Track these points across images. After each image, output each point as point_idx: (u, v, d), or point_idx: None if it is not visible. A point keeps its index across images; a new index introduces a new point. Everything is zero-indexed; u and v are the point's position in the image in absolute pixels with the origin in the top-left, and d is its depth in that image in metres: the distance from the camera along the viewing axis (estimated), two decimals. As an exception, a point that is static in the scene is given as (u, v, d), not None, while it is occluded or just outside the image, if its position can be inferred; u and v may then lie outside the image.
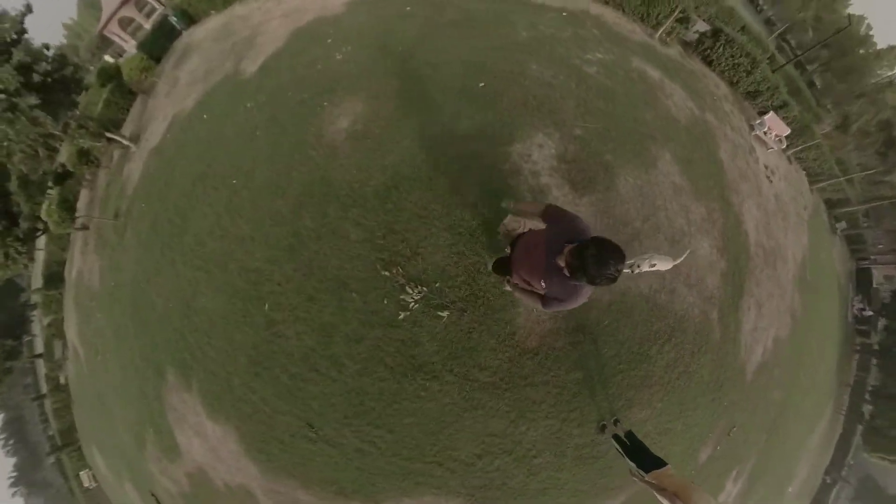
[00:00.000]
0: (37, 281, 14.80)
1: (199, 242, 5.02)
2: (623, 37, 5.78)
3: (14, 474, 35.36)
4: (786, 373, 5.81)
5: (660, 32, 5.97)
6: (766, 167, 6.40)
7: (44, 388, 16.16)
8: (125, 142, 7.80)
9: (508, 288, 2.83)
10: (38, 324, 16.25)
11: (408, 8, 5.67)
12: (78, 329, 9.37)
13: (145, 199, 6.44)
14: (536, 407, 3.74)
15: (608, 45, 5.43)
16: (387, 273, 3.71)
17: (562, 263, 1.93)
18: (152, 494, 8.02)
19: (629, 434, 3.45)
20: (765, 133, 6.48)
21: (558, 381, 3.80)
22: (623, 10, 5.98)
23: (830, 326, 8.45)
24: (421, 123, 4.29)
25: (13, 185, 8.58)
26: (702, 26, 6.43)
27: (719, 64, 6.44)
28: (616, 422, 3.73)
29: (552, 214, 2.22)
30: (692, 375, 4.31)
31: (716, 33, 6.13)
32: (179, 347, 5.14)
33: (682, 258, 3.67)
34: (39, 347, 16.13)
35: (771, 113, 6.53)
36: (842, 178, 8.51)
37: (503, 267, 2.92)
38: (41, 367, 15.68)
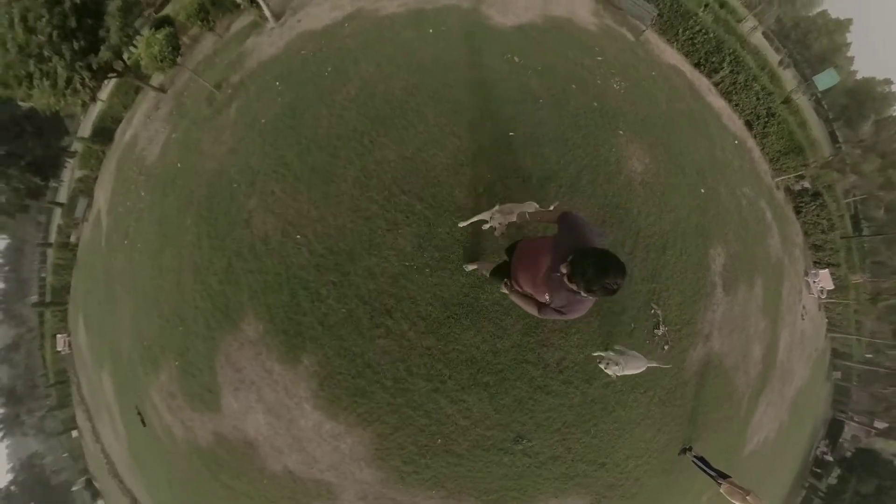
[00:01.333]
0: (85, 129, 14.80)
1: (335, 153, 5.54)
2: (759, 175, 7.66)
3: (-3, 297, 34.57)
4: (764, 465, 7.69)
5: (780, 178, 7.80)
6: (804, 307, 8.25)
7: (51, 238, 15.60)
8: (267, 12, 7.68)
9: (505, 290, 2.85)
10: (70, 174, 16.22)
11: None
12: (110, 198, 10.02)
13: (282, 79, 6.81)
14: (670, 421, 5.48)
15: (751, 180, 7.32)
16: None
17: (564, 271, 1.93)
18: (138, 412, 8.41)
19: (700, 457, 5.28)
20: (814, 282, 8.30)
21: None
22: (763, 150, 7.85)
23: (796, 452, 10.39)
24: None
25: (112, 6, 7.48)
26: (806, 182, 8.24)
27: (805, 217, 8.26)
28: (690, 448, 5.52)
29: (570, 222, 2.21)
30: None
31: (816, 196, 7.96)
32: (278, 291, 5.42)
33: (656, 364, 4.76)
34: (63, 198, 15.61)
35: (826, 270, 8.33)
36: (853, 337, 10.44)
37: (501, 273, 2.96)
38: (57, 216, 15.21)
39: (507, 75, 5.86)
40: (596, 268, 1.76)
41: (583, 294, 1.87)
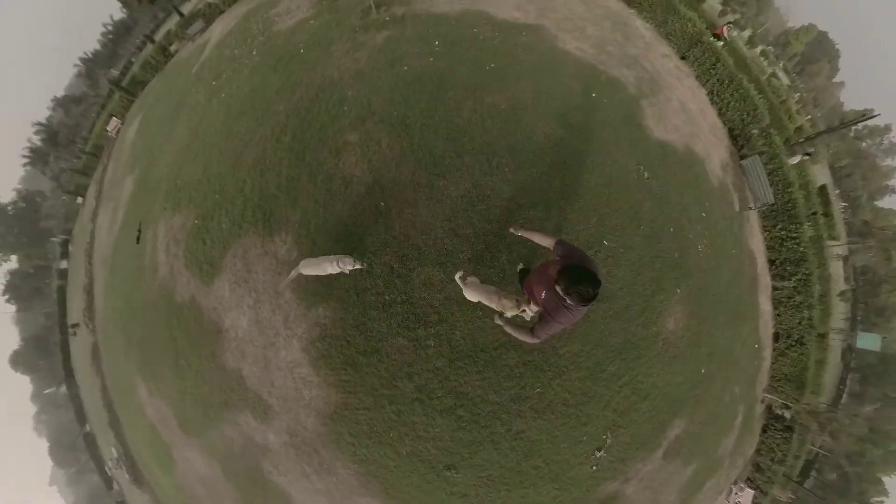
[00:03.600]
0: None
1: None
2: (754, 383, 8.90)
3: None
4: None
5: (769, 396, 8.87)
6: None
7: (157, 36, 17.69)
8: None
9: (498, 321, 3.89)
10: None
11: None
12: (225, 37, 10.46)
13: (443, 42, 7.57)
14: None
15: (745, 384, 8.55)
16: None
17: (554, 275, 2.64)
18: (139, 228, 9.19)
19: None
20: (736, 494, 9.40)
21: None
22: (773, 366, 8.88)
23: None
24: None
25: None
26: (787, 413, 9.34)
27: (767, 438, 9.42)
28: None
29: (564, 248, 3.05)
30: None
31: (787, 429, 9.15)
32: (332, 238, 6.05)
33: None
34: (186, 9, 17.48)
35: (752, 492, 9.47)
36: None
37: (521, 277, 4.30)
38: (173, 21, 16.75)
39: (630, 185, 6.69)
40: (575, 276, 2.41)
41: (565, 299, 2.58)
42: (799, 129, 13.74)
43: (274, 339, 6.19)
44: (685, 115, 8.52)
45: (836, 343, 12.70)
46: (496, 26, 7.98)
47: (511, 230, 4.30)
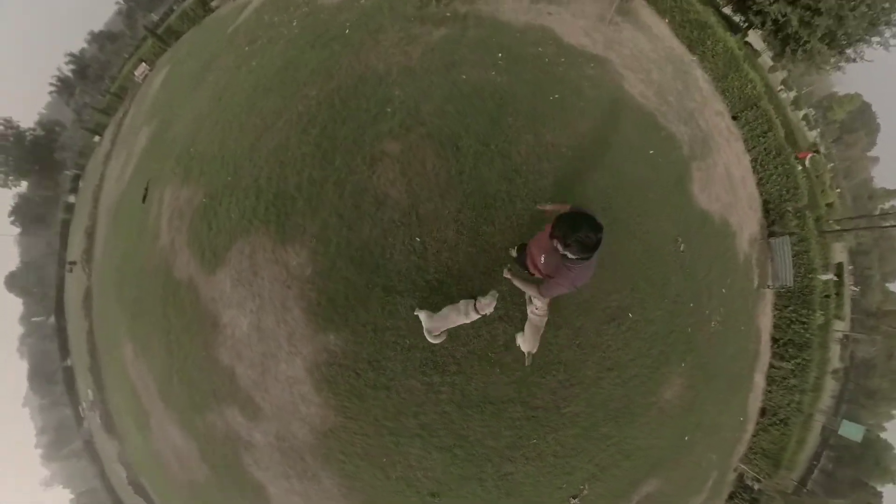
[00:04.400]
0: None
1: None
2: (731, 451, 9.23)
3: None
4: None
5: (743, 466, 9.31)
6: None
7: None
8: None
9: (507, 275, 4.15)
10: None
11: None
12: (266, 2, 10.06)
13: (506, 56, 6.98)
14: None
15: (722, 452, 8.83)
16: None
17: (557, 244, 2.53)
18: (146, 187, 9.02)
19: None
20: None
21: None
22: (753, 439, 9.28)
23: None
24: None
25: None
26: (757, 485, 9.83)
27: None
28: None
29: (576, 210, 2.81)
30: None
31: (753, 501, 9.58)
32: (354, 264, 5.72)
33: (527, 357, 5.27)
34: None
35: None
36: None
37: (523, 249, 3.97)
38: None
39: (665, 256, 6.87)
40: (571, 222, 2.24)
41: (565, 254, 2.46)
42: (830, 205, 13.85)
43: (275, 350, 6.10)
44: (728, 183, 8.59)
45: (818, 422, 13.20)
46: (562, 49, 7.70)
47: (538, 206, 4.01)
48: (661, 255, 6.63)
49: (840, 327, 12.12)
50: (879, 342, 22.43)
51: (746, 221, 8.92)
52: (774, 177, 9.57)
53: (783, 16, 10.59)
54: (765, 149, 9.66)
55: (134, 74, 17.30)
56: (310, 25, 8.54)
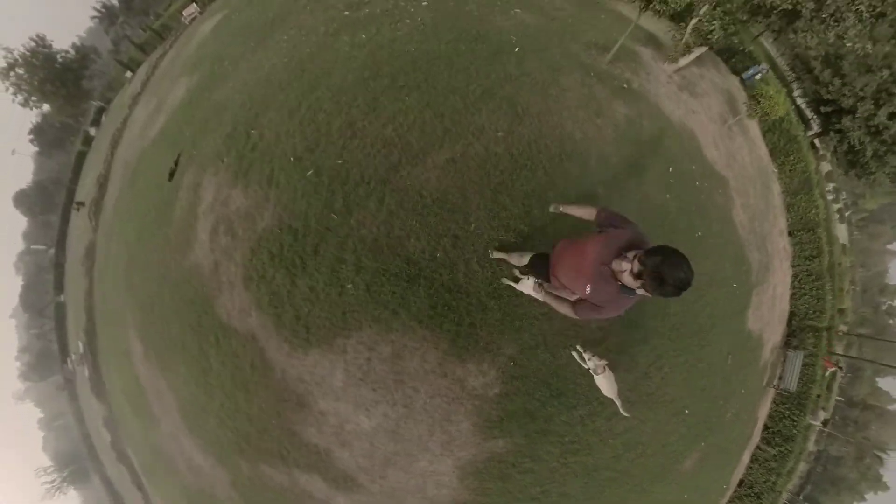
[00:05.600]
0: None
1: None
2: None
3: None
4: None
5: None
6: None
7: None
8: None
9: (532, 293, 3.30)
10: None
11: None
12: None
13: None
14: None
15: None
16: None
17: (616, 268, 2.39)
18: (176, 161, 7.80)
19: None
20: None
21: None
22: None
23: None
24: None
25: None
26: None
27: None
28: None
29: (608, 219, 2.78)
30: None
31: None
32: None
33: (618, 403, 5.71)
34: None
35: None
36: None
37: (539, 265, 3.47)
38: None
39: (714, 366, 8.75)
40: (669, 266, 2.07)
41: (640, 292, 2.31)
42: (842, 311, 15.92)
43: (416, 452, 5.73)
44: (771, 303, 10.48)
45: (784, 499, 15.88)
46: (705, 168, 8.53)
47: (552, 208, 3.85)
48: (712, 367, 8.61)
49: (822, 417, 14.42)
50: (852, 444, 25.23)
51: (774, 333, 10.94)
52: (807, 297, 11.52)
53: (860, 143, 11.93)
54: (807, 271, 11.56)
55: (182, 14, 16.38)
56: (440, 9, 7.44)
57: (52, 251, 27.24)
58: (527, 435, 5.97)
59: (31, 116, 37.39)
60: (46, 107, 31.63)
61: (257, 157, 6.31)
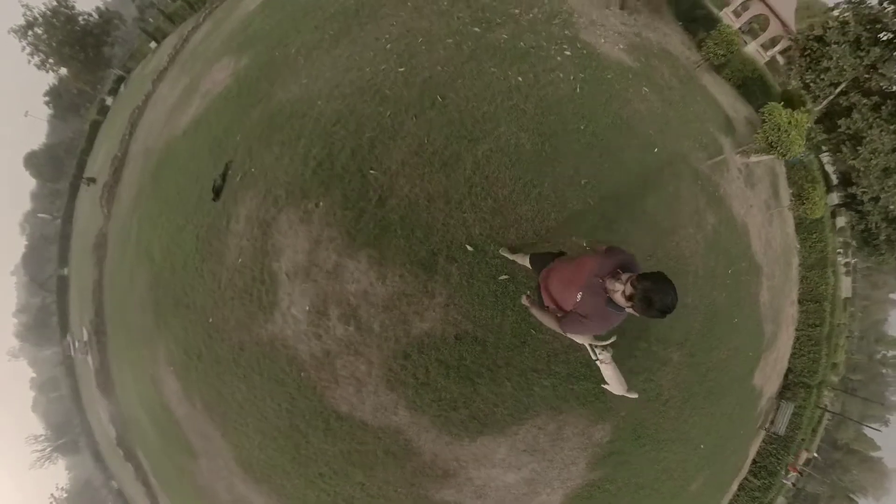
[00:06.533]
0: None
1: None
2: None
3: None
4: None
5: None
6: None
7: None
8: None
9: (526, 303, 3.65)
10: None
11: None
12: None
13: None
14: None
15: None
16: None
17: (609, 287, 2.64)
18: (224, 171, 6.68)
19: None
20: None
21: None
22: None
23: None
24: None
25: None
26: None
27: None
28: None
29: (614, 249, 3.08)
30: None
31: None
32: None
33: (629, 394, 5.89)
34: None
35: None
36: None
37: (540, 262, 3.93)
38: None
39: (721, 422, 10.92)
40: (658, 289, 2.35)
41: (628, 311, 2.59)
42: (835, 365, 18.26)
43: (539, 489, 6.91)
44: (775, 363, 12.75)
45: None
46: (750, 262, 10.20)
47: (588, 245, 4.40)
48: (723, 414, 10.93)
49: (805, 456, 16.80)
50: (827, 485, 27.95)
51: (772, 386, 13.27)
52: (805, 358, 13.83)
53: (876, 227, 13.92)
54: (808, 335, 13.81)
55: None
56: (581, 59, 7.29)
57: (58, 222, 26.95)
58: (613, 466, 8.22)
59: (48, 78, 36.47)
60: (63, 71, 31.12)
61: (395, 220, 5.26)
